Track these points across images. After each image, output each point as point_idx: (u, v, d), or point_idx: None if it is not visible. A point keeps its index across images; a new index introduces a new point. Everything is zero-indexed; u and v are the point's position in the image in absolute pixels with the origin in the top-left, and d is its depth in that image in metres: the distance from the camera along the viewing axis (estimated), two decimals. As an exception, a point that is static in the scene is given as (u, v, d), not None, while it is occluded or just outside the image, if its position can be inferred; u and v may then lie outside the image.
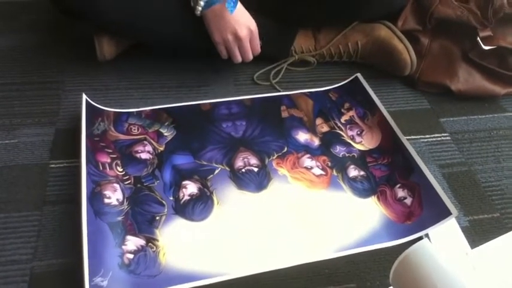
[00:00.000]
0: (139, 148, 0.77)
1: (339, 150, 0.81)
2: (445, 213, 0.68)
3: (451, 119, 0.90)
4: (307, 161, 0.78)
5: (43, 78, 0.91)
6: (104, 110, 0.83)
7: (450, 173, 0.80)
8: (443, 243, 0.68)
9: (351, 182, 0.76)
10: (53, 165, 0.75)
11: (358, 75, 0.94)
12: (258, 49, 0.89)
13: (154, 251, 0.64)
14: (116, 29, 0.87)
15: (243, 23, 0.83)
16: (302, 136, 0.83)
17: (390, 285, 0.58)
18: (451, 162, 0.82)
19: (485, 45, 0.91)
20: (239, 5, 0.82)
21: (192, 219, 0.68)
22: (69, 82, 0.91)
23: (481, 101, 0.95)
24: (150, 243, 0.64)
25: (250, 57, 0.89)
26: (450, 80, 0.93)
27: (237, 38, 0.84)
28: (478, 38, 0.91)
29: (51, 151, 0.77)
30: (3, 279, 0.61)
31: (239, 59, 0.88)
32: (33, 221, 0.67)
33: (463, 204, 0.75)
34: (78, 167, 0.71)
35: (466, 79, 0.93)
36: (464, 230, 0.70)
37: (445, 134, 0.87)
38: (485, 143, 0.86)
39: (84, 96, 0.81)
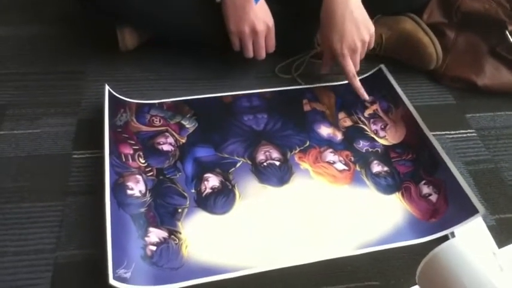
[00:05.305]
0: (161, 140, 0.77)
1: (362, 145, 0.80)
2: (471, 212, 0.66)
3: (477, 115, 0.88)
4: (329, 155, 0.77)
5: (65, 68, 0.92)
6: (126, 101, 0.83)
7: (476, 170, 0.78)
8: (469, 242, 0.66)
9: (375, 177, 0.74)
10: (75, 156, 0.75)
11: (382, 66, 0.92)
12: (273, 47, 0.86)
13: (176, 244, 0.64)
14: (137, 20, 0.86)
15: (261, 17, 0.81)
16: (324, 130, 0.82)
17: (415, 284, 0.57)
18: (477, 159, 0.80)
19: (514, 39, 0.88)
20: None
21: (214, 213, 0.68)
22: (91, 72, 0.91)
23: (508, 97, 0.92)
24: (172, 236, 0.64)
25: (263, 55, 0.86)
26: (476, 75, 0.91)
27: (254, 32, 0.82)
28: (507, 32, 0.88)
29: (74, 141, 0.77)
30: (27, 267, 0.61)
31: (251, 54, 0.86)
32: (56, 211, 0.68)
33: (490, 203, 0.73)
34: (101, 158, 0.71)
35: (493, 74, 0.91)
36: (491, 229, 0.68)
37: (471, 130, 0.85)
38: (513, 140, 0.84)
39: (107, 87, 0.81)
